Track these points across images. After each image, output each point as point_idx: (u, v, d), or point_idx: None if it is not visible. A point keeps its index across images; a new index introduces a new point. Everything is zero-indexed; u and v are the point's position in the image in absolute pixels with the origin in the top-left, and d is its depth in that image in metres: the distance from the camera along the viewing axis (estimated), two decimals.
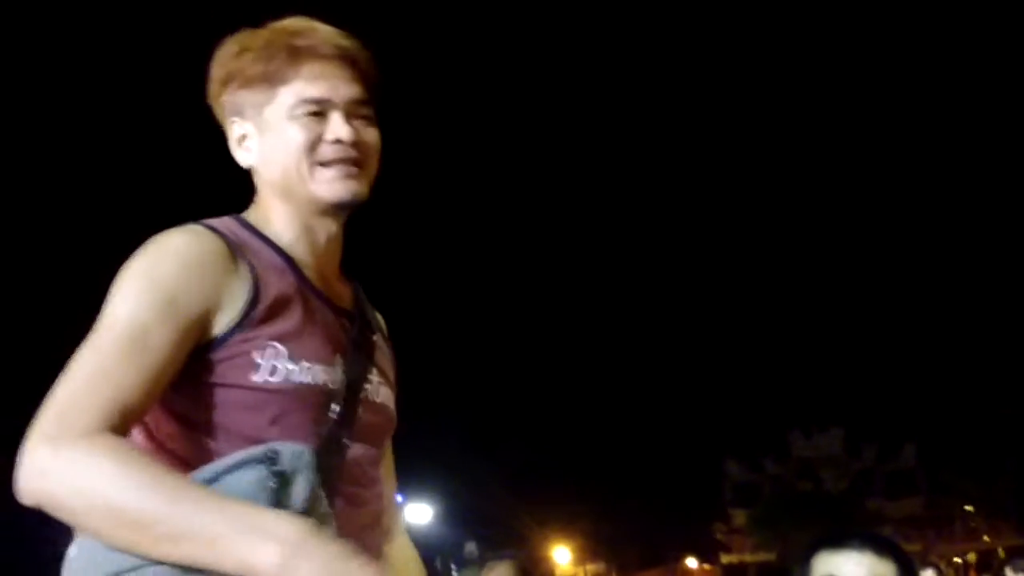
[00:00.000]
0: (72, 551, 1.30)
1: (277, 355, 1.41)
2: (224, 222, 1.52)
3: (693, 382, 45.74)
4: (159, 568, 1.22)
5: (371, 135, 1.55)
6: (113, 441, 1.25)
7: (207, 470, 1.28)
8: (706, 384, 45.72)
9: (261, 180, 1.56)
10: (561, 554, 40.86)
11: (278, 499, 1.24)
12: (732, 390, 44.71)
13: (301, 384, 1.42)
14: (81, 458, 1.22)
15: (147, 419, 1.41)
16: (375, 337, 1.61)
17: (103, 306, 1.37)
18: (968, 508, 38.97)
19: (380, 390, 1.57)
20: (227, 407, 1.40)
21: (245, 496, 1.23)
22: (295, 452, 1.28)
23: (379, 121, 1.59)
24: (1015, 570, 8.13)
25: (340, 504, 1.38)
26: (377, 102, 1.58)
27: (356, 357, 1.52)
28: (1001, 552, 35.40)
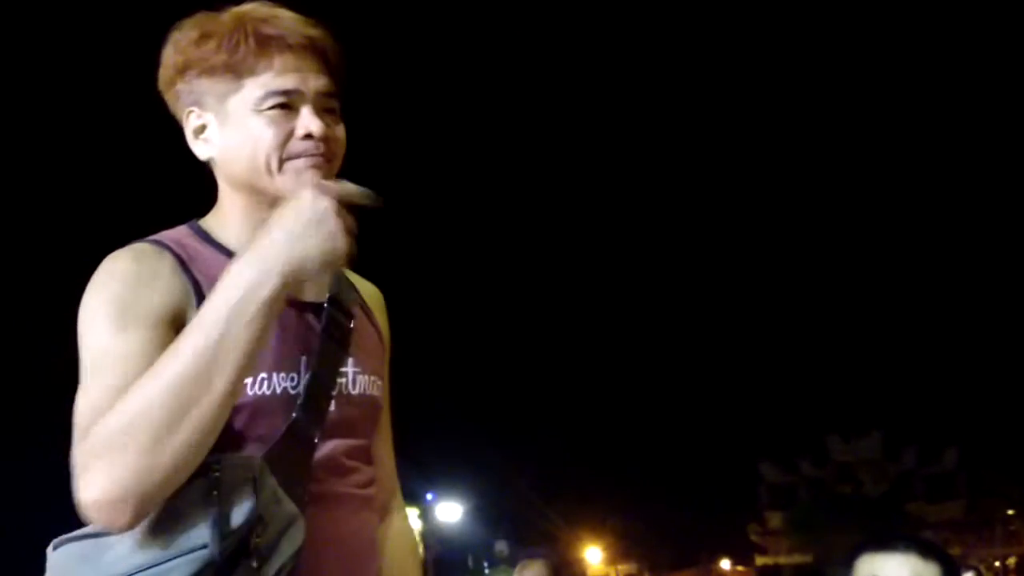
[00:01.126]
0: (52, 556, 1.30)
1: None
2: (175, 234, 1.49)
3: (729, 383, 45.46)
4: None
5: (339, 130, 1.51)
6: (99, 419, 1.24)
7: None
8: (742, 385, 45.43)
9: (221, 173, 1.51)
10: (593, 554, 40.81)
11: (222, 508, 1.22)
12: (768, 392, 44.40)
13: (257, 396, 1.38)
14: (98, 434, 1.21)
15: None
16: (351, 323, 1.54)
17: (78, 351, 1.36)
18: (1009, 512, 38.59)
19: (357, 380, 1.53)
20: None
21: (193, 507, 1.22)
22: (238, 461, 1.27)
23: (344, 113, 1.54)
24: None
25: (311, 501, 1.36)
26: (343, 93, 1.53)
27: (325, 353, 1.47)
28: None
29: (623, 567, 44.49)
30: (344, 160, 1.54)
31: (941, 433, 40.86)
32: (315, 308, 1.51)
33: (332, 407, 1.46)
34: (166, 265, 1.41)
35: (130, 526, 1.21)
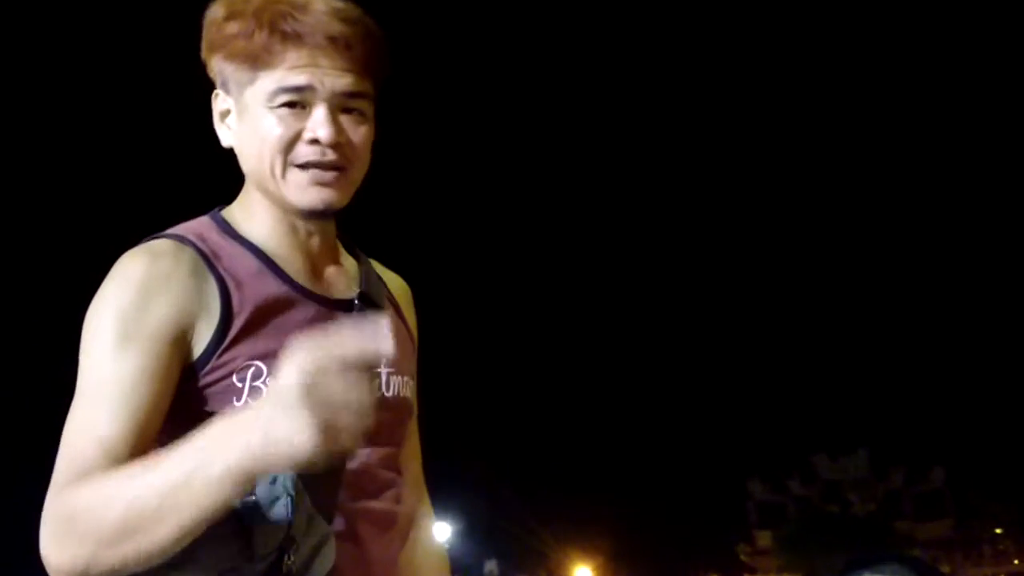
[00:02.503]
0: None
1: (259, 375, 1.29)
2: (198, 226, 1.40)
3: (718, 403, 45.51)
4: None
5: (360, 133, 1.38)
6: (79, 483, 1.17)
7: None
8: (731, 405, 45.47)
9: (242, 165, 1.43)
10: (582, 574, 40.70)
11: (255, 529, 1.16)
12: (756, 411, 44.42)
13: None
14: (63, 506, 1.16)
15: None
16: (378, 316, 1.37)
17: (79, 353, 1.30)
18: (997, 531, 38.64)
19: (390, 381, 1.46)
20: None
21: (225, 528, 1.14)
22: (271, 479, 1.17)
23: (377, 116, 1.41)
24: None
25: (341, 520, 1.31)
26: (377, 92, 1.41)
27: None
28: None
29: None
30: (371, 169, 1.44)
31: (928, 452, 41.00)
32: (344, 305, 1.43)
33: None
34: (184, 264, 1.32)
35: None
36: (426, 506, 1.65)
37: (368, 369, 1.03)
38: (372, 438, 1.36)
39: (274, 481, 1.17)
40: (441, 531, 25.20)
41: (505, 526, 33.75)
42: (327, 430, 1.01)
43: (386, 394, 1.44)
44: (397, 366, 1.47)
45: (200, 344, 1.30)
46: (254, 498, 1.16)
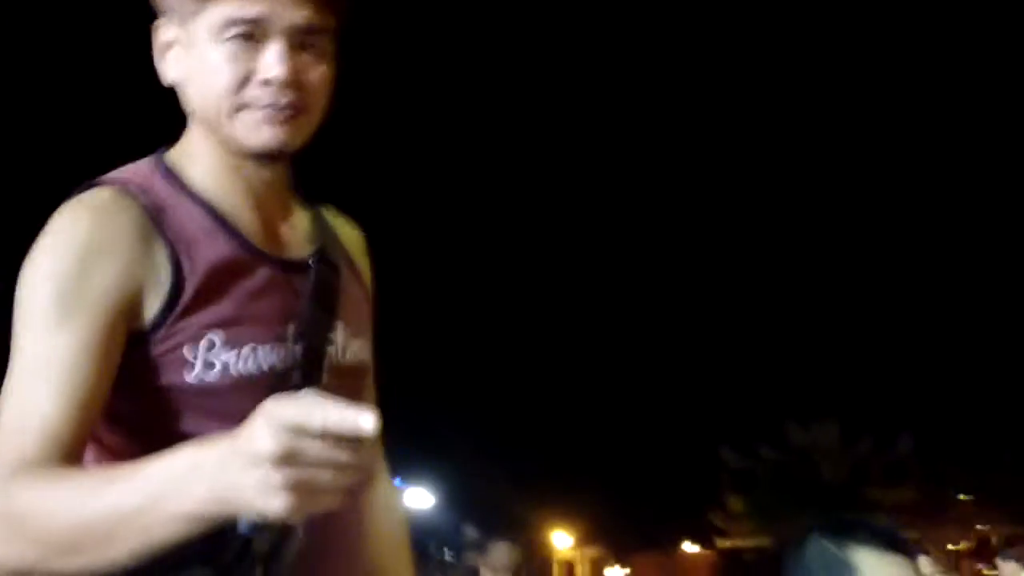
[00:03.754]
0: None
1: (213, 346, 1.23)
2: (141, 173, 1.29)
3: (691, 373, 45.94)
4: None
5: (318, 73, 1.28)
6: (27, 479, 1.10)
7: None
8: (704, 374, 45.91)
9: (186, 104, 1.32)
10: (560, 539, 41.09)
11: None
12: (728, 381, 44.90)
13: (243, 375, 1.25)
14: None
15: (98, 432, 1.25)
16: (339, 281, 1.39)
17: (13, 320, 1.20)
18: (963, 497, 39.25)
19: (349, 344, 1.39)
20: (167, 411, 1.24)
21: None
22: None
23: (338, 52, 1.30)
24: (1004, 559, 8.40)
25: None
26: (340, 28, 1.30)
27: (313, 319, 1.32)
28: (995, 541, 35.71)
29: (589, 551, 44.91)
30: (332, 112, 1.32)
31: (896, 420, 41.56)
32: (299, 266, 1.35)
33: (325, 379, 1.32)
34: (129, 225, 1.21)
35: None
36: (381, 465, 1.57)
37: (348, 441, 0.93)
38: None
39: None
40: (422, 499, 25.53)
41: (483, 493, 34.22)
42: (303, 495, 0.93)
43: (343, 360, 1.37)
44: (354, 328, 1.40)
45: (148, 313, 1.21)
46: None
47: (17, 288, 1.20)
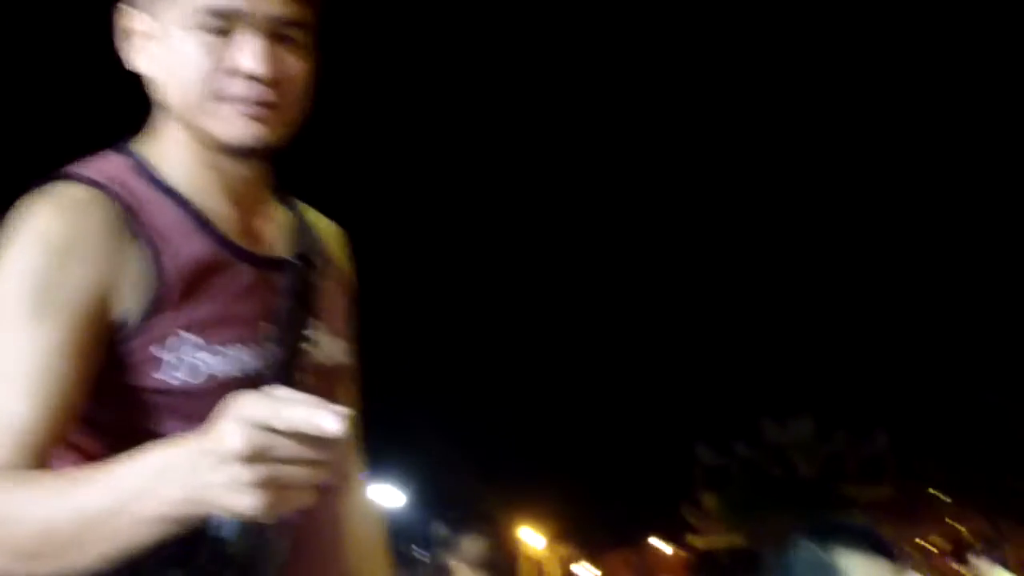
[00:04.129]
0: None
1: (189, 347, 1.20)
2: (113, 167, 1.23)
3: (665, 368, 45.88)
4: None
5: (295, 66, 1.24)
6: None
7: None
8: (678, 370, 45.87)
9: (156, 96, 1.27)
10: (529, 536, 41.00)
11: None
12: (702, 376, 44.93)
13: (222, 376, 1.22)
14: None
15: (76, 439, 1.21)
16: (317, 278, 1.37)
17: None
18: (938, 495, 39.42)
19: (327, 344, 1.37)
20: (147, 415, 1.21)
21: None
22: None
23: (317, 46, 1.26)
24: (977, 555, 8.29)
25: None
26: (318, 20, 1.26)
27: (291, 318, 1.29)
28: (968, 538, 35.91)
29: (561, 548, 44.77)
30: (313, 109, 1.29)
31: (871, 416, 41.73)
32: (277, 264, 1.33)
33: (303, 380, 1.29)
34: (105, 223, 1.17)
35: None
36: (358, 466, 1.58)
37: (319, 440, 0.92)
38: None
39: None
40: (393, 496, 25.33)
41: (454, 491, 33.91)
42: (274, 492, 0.92)
43: (321, 360, 1.36)
44: (333, 328, 1.40)
45: (124, 315, 1.18)
46: None
47: None
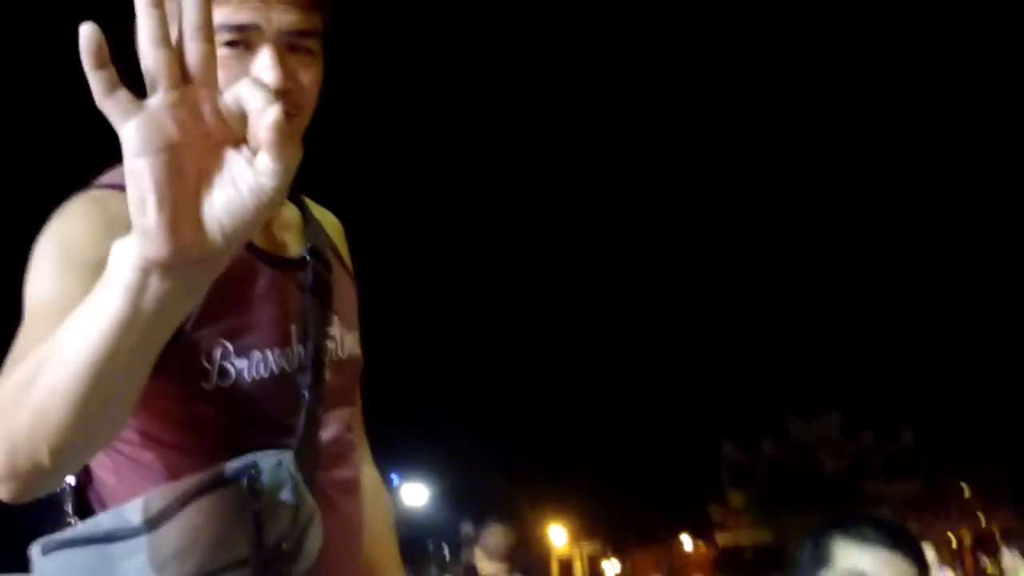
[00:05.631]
0: (42, 561, 1.13)
1: (226, 353, 1.22)
2: None
3: (693, 366, 45.75)
4: None
5: (309, 75, 1.26)
6: None
7: (177, 488, 1.11)
8: (705, 368, 45.74)
9: None
10: (557, 534, 40.96)
11: (262, 518, 1.10)
12: (729, 374, 44.75)
13: (256, 380, 1.23)
14: None
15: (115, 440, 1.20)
16: (331, 274, 1.39)
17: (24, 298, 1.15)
18: (965, 490, 39.14)
19: (344, 340, 1.39)
20: (183, 418, 1.21)
21: (228, 516, 1.08)
22: (276, 462, 1.13)
23: (327, 54, 1.29)
24: (1009, 550, 8.18)
25: (320, 492, 1.23)
26: (328, 30, 1.29)
27: (314, 318, 1.31)
28: (997, 533, 35.59)
29: (587, 546, 44.73)
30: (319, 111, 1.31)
31: (898, 413, 41.44)
32: (295, 263, 1.35)
33: (327, 377, 1.31)
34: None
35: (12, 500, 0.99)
36: (369, 460, 1.60)
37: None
38: (333, 403, 1.33)
39: (279, 464, 1.14)
40: (418, 494, 25.28)
41: (480, 489, 33.99)
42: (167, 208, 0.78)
43: (342, 355, 1.37)
44: (347, 322, 1.41)
45: None
46: (261, 484, 1.11)
47: (26, 274, 1.17)
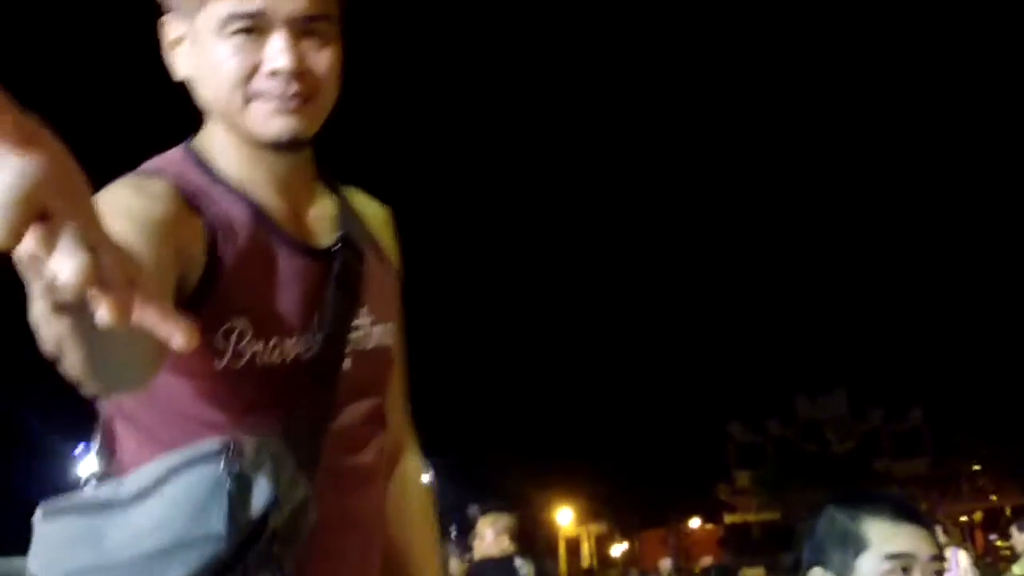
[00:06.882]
0: (41, 525, 1.15)
1: (241, 335, 1.23)
2: (174, 163, 1.29)
3: (698, 347, 45.69)
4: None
5: (323, 59, 1.27)
6: None
7: (166, 462, 1.12)
8: (711, 348, 45.69)
9: (200, 99, 1.32)
10: (564, 515, 41.02)
11: (239, 495, 1.10)
12: (736, 353, 44.70)
13: (269, 364, 1.24)
14: None
15: (131, 409, 1.26)
16: (363, 266, 1.37)
17: None
18: (975, 468, 39.09)
19: (373, 331, 1.38)
20: (196, 395, 1.23)
21: (207, 493, 1.08)
22: (255, 443, 1.13)
23: (344, 35, 1.30)
24: (1020, 529, 8.09)
25: (325, 478, 1.24)
26: (343, 9, 1.31)
27: (338, 308, 1.31)
28: (1007, 511, 35.57)
29: (594, 527, 44.80)
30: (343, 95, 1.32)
31: (906, 391, 41.34)
32: (325, 253, 1.35)
33: (348, 366, 1.32)
34: (175, 195, 1.21)
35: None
36: (412, 448, 1.61)
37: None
38: (352, 393, 1.32)
39: (261, 447, 1.14)
40: (426, 476, 25.31)
41: (487, 471, 34.00)
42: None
43: (368, 347, 1.37)
44: (379, 313, 1.40)
45: (183, 279, 1.17)
46: (238, 464, 1.11)
47: None
